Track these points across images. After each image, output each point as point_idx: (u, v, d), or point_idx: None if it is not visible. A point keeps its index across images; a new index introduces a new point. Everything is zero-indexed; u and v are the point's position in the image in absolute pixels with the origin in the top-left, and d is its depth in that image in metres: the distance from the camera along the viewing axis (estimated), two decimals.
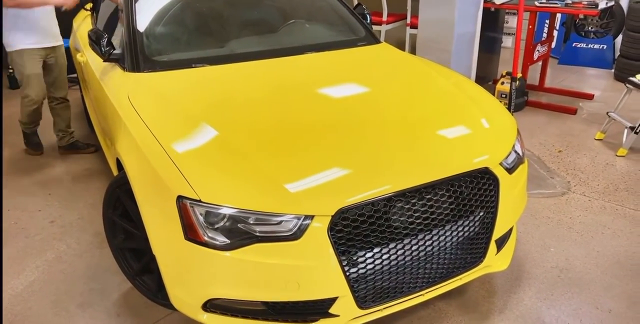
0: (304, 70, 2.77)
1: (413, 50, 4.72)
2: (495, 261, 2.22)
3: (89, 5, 4.05)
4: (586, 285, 2.50)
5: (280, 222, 1.76)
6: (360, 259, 1.85)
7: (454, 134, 2.23)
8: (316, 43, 3.04)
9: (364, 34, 3.22)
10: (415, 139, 2.15)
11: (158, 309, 2.34)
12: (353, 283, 1.85)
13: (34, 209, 3.31)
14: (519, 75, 4.58)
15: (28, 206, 3.34)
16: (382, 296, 1.94)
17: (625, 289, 2.47)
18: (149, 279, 2.26)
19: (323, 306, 1.89)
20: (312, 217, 1.75)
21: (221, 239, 1.77)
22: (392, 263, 1.92)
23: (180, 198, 1.80)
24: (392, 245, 1.89)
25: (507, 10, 5.84)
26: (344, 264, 1.80)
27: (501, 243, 2.23)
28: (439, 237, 1.99)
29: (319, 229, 1.75)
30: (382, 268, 1.90)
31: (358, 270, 1.86)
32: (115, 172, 2.73)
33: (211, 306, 1.91)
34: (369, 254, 1.86)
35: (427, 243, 1.96)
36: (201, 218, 1.78)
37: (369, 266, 1.88)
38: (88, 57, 3.26)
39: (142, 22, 2.82)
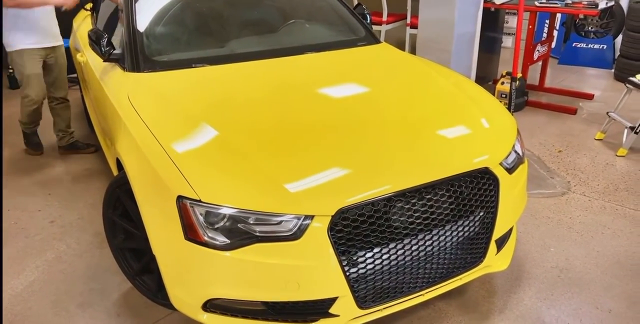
0: (304, 70, 2.77)
1: (413, 51, 4.72)
2: (495, 261, 2.22)
3: (89, 5, 4.05)
4: (586, 285, 2.50)
5: (280, 222, 1.76)
6: (360, 259, 1.85)
7: (453, 134, 2.23)
8: (316, 43, 3.04)
9: (364, 34, 3.22)
10: (415, 139, 2.15)
11: (158, 309, 2.34)
12: (353, 283, 1.85)
13: (33, 209, 3.31)
14: (519, 75, 4.58)
15: (28, 206, 3.34)
16: (382, 296, 1.94)
17: (625, 289, 2.47)
18: (149, 279, 2.26)
19: (323, 306, 1.89)
20: (312, 217, 1.75)
21: (221, 239, 1.77)
22: (392, 263, 1.91)
23: (180, 198, 1.80)
24: (392, 245, 1.89)
25: (507, 10, 5.84)
26: (344, 264, 1.80)
27: (501, 242, 2.23)
28: (439, 237, 1.99)
29: (319, 229, 1.75)
30: (382, 268, 1.90)
31: (358, 270, 1.86)
32: (115, 172, 2.73)
33: (211, 306, 1.91)
34: (369, 254, 1.86)
35: (427, 243, 1.96)
36: (201, 218, 1.78)
37: (369, 266, 1.88)
38: (88, 57, 3.26)
39: (142, 22, 2.82)
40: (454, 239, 2.04)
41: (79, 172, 3.81)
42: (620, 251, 2.76)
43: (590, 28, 6.48)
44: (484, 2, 4.56)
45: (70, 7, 3.64)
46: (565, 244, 2.82)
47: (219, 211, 1.77)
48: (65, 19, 4.00)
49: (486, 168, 2.04)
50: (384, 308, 1.97)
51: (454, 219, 2.00)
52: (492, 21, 5.17)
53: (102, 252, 2.82)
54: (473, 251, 2.11)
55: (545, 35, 6.12)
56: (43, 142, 4.14)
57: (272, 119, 2.23)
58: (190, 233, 1.79)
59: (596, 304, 2.38)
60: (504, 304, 2.39)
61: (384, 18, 5.68)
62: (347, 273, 1.82)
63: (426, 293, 2.05)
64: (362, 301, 1.90)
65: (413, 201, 1.88)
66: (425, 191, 1.91)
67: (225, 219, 1.78)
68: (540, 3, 4.63)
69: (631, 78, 3.95)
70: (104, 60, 2.75)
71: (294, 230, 1.75)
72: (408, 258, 1.94)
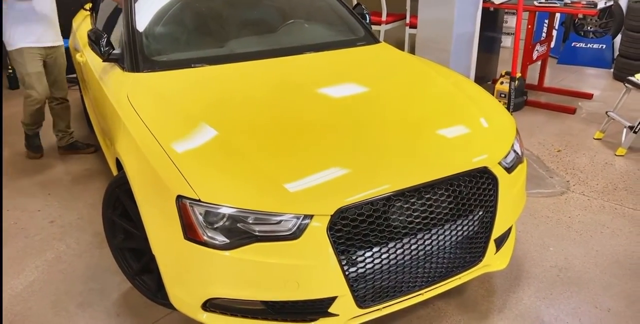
0: (303, 70, 2.78)
1: (412, 50, 4.72)
2: (494, 260, 2.23)
3: (88, 5, 4.05)
4: (585, 284, 2.50)
5: (280, 221, 1.76)
6: (359, 259, 1.86)
7: (453, 134, 2.23)
8: (315, 43, 3.04)
9: (363, 33, 3.22)
10: (415, 139, 2.15)
11: (158, 309, 2.35)
12: (352, 283, 1.85)
13: (33, 210, 3.31)
14: (518, 74, 4.58)
15: (28, 206, 3.35)
16: (381, 295, 1.95)
17: (624, 288, 2.48)
18: (149, 279, 2.26)
19: (322, 306, 1.89)
20: (311, 216, 1.76)
21: (220, 239, 1.77)
22: (392, 262, 1.92)
23: (179, 198, 1.81)
24: (391, 244, 1.89)
25: (506, 10, 5.84)
26: (343, 263, 1.81)
27: (500, 242, 2.24)
28: (438, 237, 1.99)
29: (318, 228, 1.76)
30: (381, 267, 1.90)
31: (357, 269, 1.86)
32: (114, 172, 2.73)
33: (211, 305, 1.91)
34: (368, 254, 1.86)
35: (427, 243, 1.97)
36: (200, 218, 1.79)
37: (368, 266, 1.88)
38: (87, 57, 3.27)
39: (142, 22, 2.82)
40: (453, 238, 2.04)
41: (78, 172, 3.81)
42: (619, 250, 2.76)
43: (589, 28, 6.48)
44: (483, 1, 4.56)
45: None
46: (565, 243, 2.82)
47: (219, 211, 1.78)
48: (65, 19, 4.00)
49: (485, 167, 2.04)
50: (384, 307, 1.98)
51: (453, 219, 2.01)
52: (491, 21, 5.17)
53: (101, 252, 2.82)
54: (472, 250, 2.11)
55: (544, 35, 6.10)
56: (43, 142, 4.13)
57: (272, 118, 2.23)
58: (190, 233, 1.80)
59: (595, 303, 2.38)
60: (503, 303, 2.39)
61: (383, 18, 5.69)
62: (347, 273, 1.82)
63: (425, 292, 2.05)
64: (362, 301, 1.90)
65: (412, 200, 1.89)
66: (425, 191, 1.91)
67: (225, 219, 1.78)
68: (540, 3, 4.63)
69: (630, 78, 3.95)
70: (104, 60, 2.75)
71: (294, 230, 1.76)
72: (407, 258, 1.94)
